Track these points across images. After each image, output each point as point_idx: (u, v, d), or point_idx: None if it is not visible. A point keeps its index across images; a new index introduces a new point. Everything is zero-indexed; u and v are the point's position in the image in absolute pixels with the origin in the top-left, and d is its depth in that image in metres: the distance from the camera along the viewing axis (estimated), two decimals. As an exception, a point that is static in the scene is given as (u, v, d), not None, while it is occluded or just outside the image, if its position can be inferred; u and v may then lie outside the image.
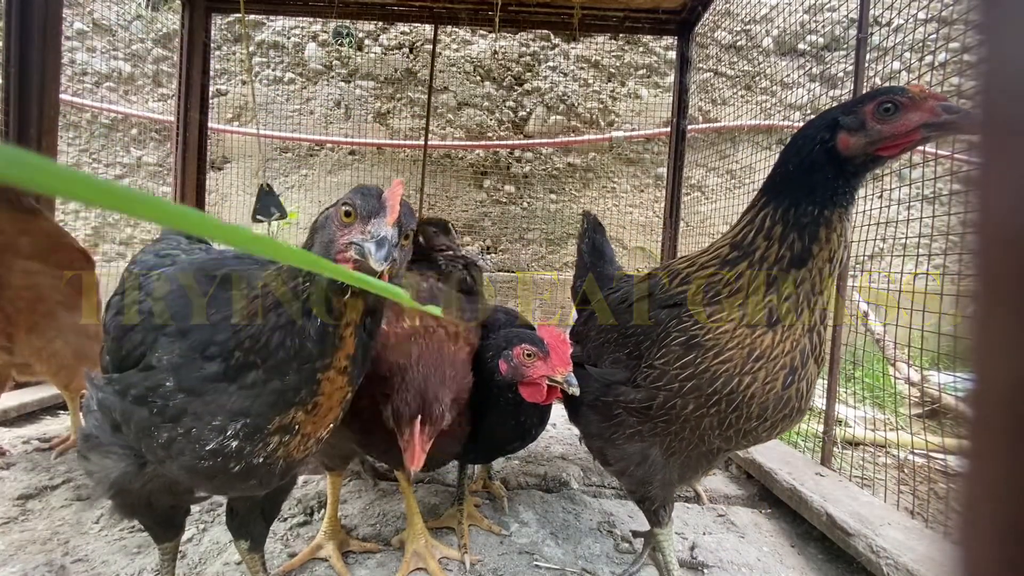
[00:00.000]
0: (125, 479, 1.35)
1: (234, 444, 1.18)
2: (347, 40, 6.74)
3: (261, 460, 1.22)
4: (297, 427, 1.22)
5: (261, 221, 4.74)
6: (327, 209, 1.19)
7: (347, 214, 1.12)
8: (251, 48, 6.59)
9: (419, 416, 1.45)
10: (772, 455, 2.71)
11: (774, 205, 1.49)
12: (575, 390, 1.68)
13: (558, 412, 2.01)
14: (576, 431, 2.19)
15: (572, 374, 1.70)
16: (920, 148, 2.37)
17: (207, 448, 1.18)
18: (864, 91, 2.65)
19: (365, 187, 1.15)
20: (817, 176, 1.44)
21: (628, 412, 1.70)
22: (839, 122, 1.42)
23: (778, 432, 1.57)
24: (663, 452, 1.71)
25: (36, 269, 2.29)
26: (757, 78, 6.58)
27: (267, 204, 4.69)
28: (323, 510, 2.29)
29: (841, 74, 5.43)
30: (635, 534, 2.22)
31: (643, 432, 1.69)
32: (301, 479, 2.53)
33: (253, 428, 1.18)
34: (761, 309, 1.47)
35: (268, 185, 4.74)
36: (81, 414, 1.48)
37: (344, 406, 1.30)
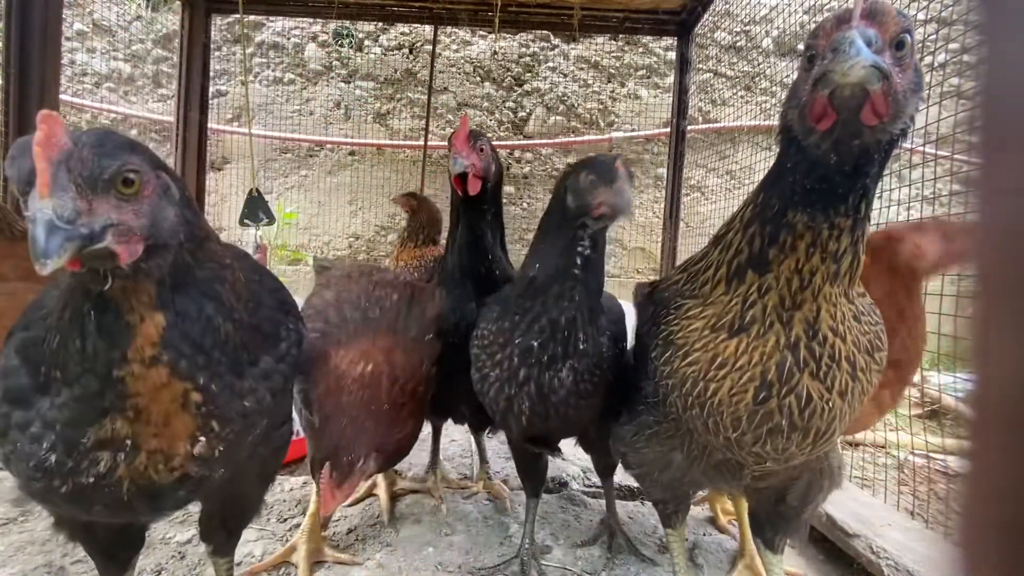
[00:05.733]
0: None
1: (53, 459, 1.02)
2: (347, 41, 6.75)
3: (93, 480, 1.03)
4: (130, 441, 1.01)
5: (248, 225, 4.77)
6: None
7: None
8: (251, 49, 6.59)
9: (328, 464, 1.39)
10: (772, 456, 2.71)
11: (765, 187, 1.28)
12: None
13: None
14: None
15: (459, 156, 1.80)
16: (919, 148, 2.38)
17: (31, 464, 1.03)
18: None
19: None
20: (781, 162, 1.23)
21: (647, 409, 1.60)
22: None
23: (780, 449, 1.35)
24: (685, 456, 1.57)
25: (20, 289, 2.34)
26: (757, 79, 6.59)
27: (255, 209, 4.72)
28: (323, 511, 2.29)
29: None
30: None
31: (660, 433, 1.58)
32: (300, 480, 2.52)
33: (67, 441, 1.02)
34: (726, 312, 1.31)
35: (257, 190, 4.77)
36: None
37: (209, 410, 1.05)
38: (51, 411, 1.02)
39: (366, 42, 6.80)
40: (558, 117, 6.80)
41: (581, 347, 1.59)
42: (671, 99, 5.03)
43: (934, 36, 2.28)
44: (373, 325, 1.73)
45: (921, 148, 2.34)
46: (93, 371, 0.97)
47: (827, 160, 1.12)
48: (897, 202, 2.48)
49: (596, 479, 2.71)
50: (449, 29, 6.45)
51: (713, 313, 1.33)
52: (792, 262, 1.20)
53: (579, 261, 1.54)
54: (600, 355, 1.63)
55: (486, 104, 6.79)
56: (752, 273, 1.26)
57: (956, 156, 2.20)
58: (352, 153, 6.78)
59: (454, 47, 6.80)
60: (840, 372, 1.27)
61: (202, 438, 1.05)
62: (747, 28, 6.39)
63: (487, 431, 2.47)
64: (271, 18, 6.55)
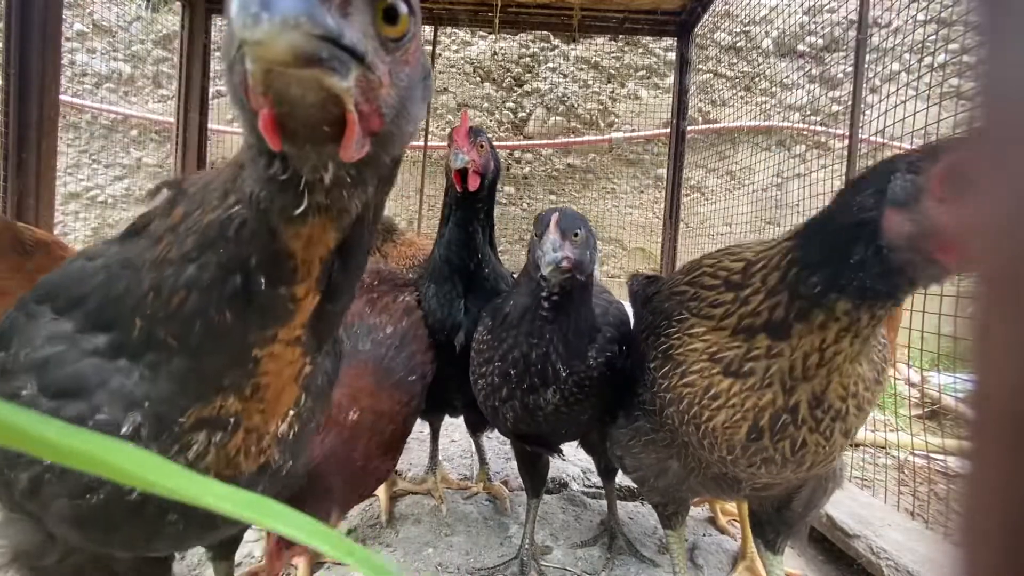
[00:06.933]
0: (34, 552, 0.95)
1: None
2: (347, 41, 6.75)
3: None
4: (233, 419, 0.84)
5: None
6: None
7: None
8: (251, 49, 6.59)
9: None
10: (772, 456, 2.71)
11: (795, 249, 1.17)
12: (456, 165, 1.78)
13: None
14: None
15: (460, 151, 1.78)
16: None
17: None
18: (864, 92, 2.63)
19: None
20: (840, 248, 1.08)
21: (644, 415, 1.59)
22: (890, 186, 1.00)
23: (774, 474, 1.33)
24: (682, 466, 1.56)
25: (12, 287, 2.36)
26: (757, 79, 6.59)
27: None
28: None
29: (840, 75, 5.44)
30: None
31: (656, 441, 1.56)
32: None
33: (159, 420, 0.80)
34: (727, 348, 1.26)
35: None
36: None
37: (306, 381, 0.92)
38: (139, 384, 0.80)
39: (366, 42, 6.81)
40: (558, 117, 6.80)
41: (563, 374, 1.59)
42: (671, 99, 5.02)
43: (934, 36, 2.28)
44: (362, 359, 1.60)
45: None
46: (226, 349, 0.78)
47: (905, 270, 1.03)
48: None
49: (596, 479, 2.71)
50: (449, 29, 6.45)
51: (715, 341, 1.29)
52: (817, 340, 1.12)
53: (546, 304, 1.55)
54: (588, 368, 1.62)
55: (486, 104, 6.80)
56: (764, 335, 1.19)
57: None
58: (352, 153, 6.78)
59: (454, 47, 6.80)
60: (845, 423, 1.22)
61: (291, 412, 0.93)
62: (747, 28, 6.39)
63: (485, 430, 2.49)
64: (271, 18, 6.55)
